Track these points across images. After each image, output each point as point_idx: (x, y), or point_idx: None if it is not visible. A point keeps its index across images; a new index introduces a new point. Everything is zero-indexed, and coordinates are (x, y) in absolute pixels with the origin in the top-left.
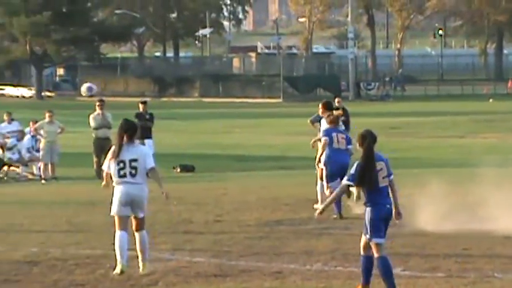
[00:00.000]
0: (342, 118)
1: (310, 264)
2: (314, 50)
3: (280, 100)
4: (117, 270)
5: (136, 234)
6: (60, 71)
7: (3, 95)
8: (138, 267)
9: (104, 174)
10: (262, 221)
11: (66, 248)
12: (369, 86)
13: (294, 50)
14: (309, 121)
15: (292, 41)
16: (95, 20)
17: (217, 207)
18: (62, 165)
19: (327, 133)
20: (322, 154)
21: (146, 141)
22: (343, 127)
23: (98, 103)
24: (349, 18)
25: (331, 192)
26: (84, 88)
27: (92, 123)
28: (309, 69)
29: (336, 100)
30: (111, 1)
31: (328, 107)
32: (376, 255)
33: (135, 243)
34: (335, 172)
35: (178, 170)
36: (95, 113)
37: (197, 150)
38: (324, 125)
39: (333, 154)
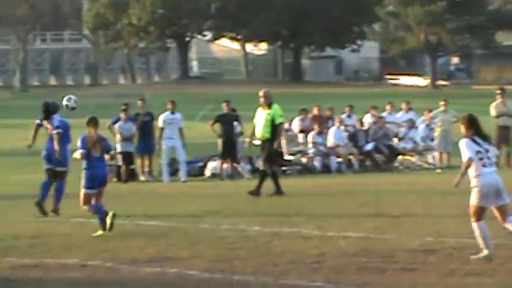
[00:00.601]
0: None
1: None
2: None
3: None
4: (485, 254)
5: (508, 225)
6: (455, 60)
7: (398, 84)
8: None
9: (467, 162)
10: None
11: (461, 237)
12: None
13: None
14: None
15: None
16: (490, 8)
17: None
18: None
19: None
20: None
21: None
22: None
23: (498, 91)
24: None
25: None
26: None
27: (493, 112)
28: None
29: None
30: None
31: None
32: None
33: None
34: None
35: None
36: (497, 101)
37: None
38: None
39: None
